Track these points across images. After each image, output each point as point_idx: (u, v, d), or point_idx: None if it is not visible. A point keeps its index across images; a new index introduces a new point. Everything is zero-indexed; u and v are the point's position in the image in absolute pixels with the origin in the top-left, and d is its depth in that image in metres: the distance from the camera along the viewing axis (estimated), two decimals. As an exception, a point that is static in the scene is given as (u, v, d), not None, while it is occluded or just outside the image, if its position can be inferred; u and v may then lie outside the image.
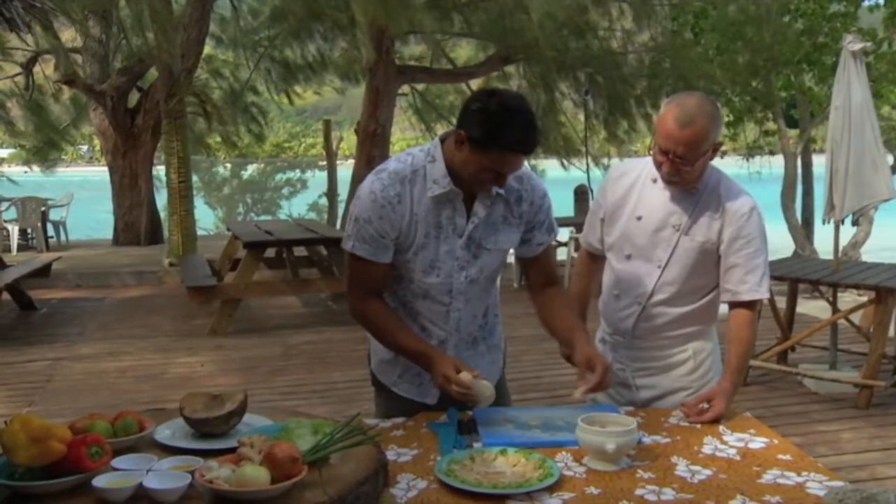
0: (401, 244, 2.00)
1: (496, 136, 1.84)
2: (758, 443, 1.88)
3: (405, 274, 2.05)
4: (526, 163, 2.06)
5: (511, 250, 2.16)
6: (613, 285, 2.31)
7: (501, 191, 2.00)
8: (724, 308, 2.28)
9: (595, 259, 2.44)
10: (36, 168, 15.68)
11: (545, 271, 2.19)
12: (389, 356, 2.16)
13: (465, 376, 1.90)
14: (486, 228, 2.03)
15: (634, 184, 2.25)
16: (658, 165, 2.15)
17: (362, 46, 10.41)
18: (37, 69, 14.08)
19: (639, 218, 2.22)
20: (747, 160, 12.27)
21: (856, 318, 5.44)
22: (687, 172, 2.10)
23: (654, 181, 2.21)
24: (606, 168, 12.86)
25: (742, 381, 2.22)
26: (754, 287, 2.15)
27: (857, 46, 5.07)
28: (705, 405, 2.04)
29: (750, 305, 2.18)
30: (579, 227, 8.67)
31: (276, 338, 6.77)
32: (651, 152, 2.18)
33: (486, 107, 1.86)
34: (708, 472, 1.70)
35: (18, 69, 14.06)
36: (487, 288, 2.14)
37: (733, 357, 2.16)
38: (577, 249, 8.25)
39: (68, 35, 13.06)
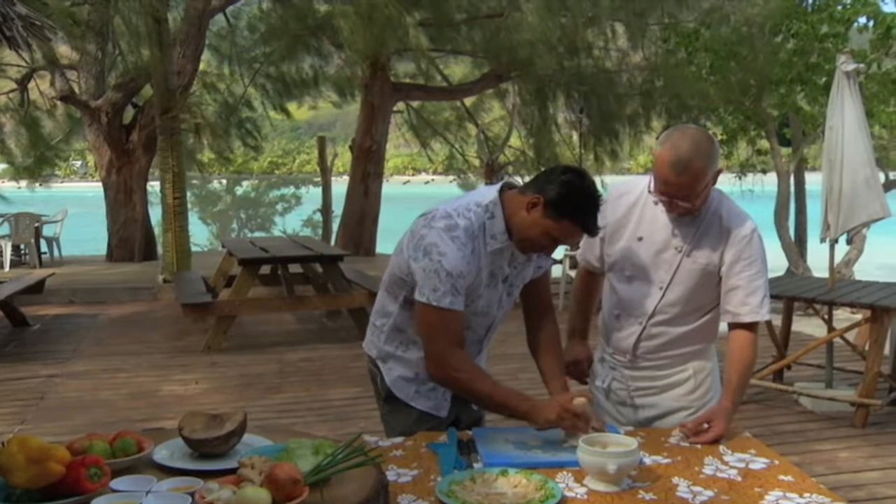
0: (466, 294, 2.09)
1: (576, 210, 1.99)
2: (759, 463, 1.87)
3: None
4: None
5: None
6: (614, 305, 2.31)
7: None
8: (723, 326, 2.28)
9: (594, 277, 2.44)
10: (28, 183, 15.64)
11: (539, 296, 2.30)
12: (410, 374, 2.20)
13: (579, 402, 1.96)
14: (517, 269, 2.20)
15: (635, 204, 2.25)
16: (659, 199, 2.16)
17: (355, 64, 10.47)
18: (31, 85, 14.09)
19: (640, 239, 2.23)
20: (740, 178, 12.35)
21: (851, 336, 5.45)
22: (688, 207, 2.11)
23: (656, 203, 2.20)
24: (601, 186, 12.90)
25: (741, 401, 2.21)
26: (755, 309, 2.16)
27: (851, 67, 5.11)
28: (706, 425, 2.04)
29: (750, 326, 2.18)
30: (573, 245, 8.65)
31: (272, 355, 6.73)
32: (650, 190, 2.17)
33: (573, 182, 2.00)
34: (709, 493, 1.70)
35: (13, 85, 14.07)
36: None
37: (734, 377, 2.15)
38: (571, 267, 8.26)
39: (63, 51, 13.08)
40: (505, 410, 2.07)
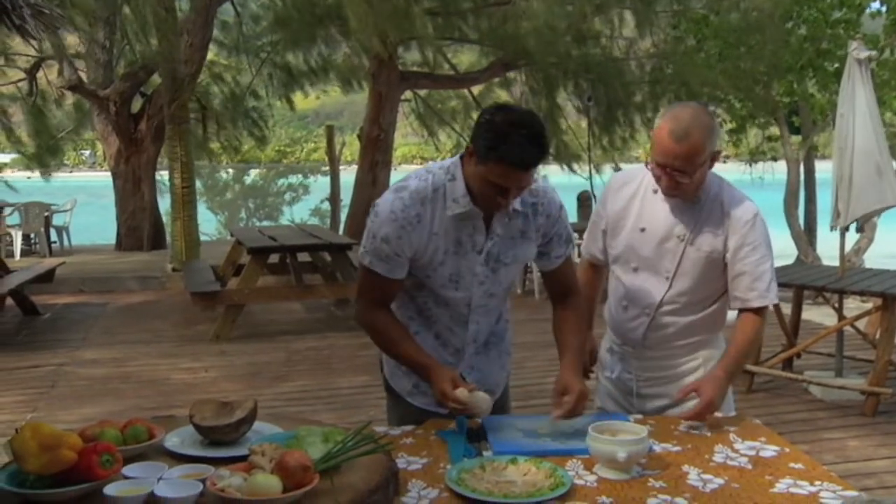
0: (418, 261, 2.00)
1: (495, 148, 1.83)
2: (769, 451, 1.87)
3: (426, 284, 2.06)
4: (540, 176, 2.05)
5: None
6: (622, 297, 2.30)
7: (518, 207, 1.99)
8: (731, 315, 2.28)
9: (597, 268, 2.43)
10: (38, 173, 15.70)
11: (564, 282, 2.18)
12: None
13: (461, 393, 1.91)
14: (505, 243, 2.04)
15: (635, 194, 2.25)
16: (657, 179, 2.14)
17: (363, 53, 10.45)
18: (40, 74, 14.11)
19: (642, 230, 2.22)
20: (750, 166, 12.28)
21: (861, 324, 5.42)
22: (686, 185, 2.09)
23: (655, 192, 2.20)
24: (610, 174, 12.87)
25: (737, 374, 2.19)
26: (763, 294, 2.16)
27: (863, 54, 5.06)
28: (693, 395, 2.05)
29: (758, 311, 2.18)
30: (583, 233, 8.69)
31: (280, 344, 6.76)
32: (648, 166, 2.17)
33: (491, 120, 1.87)
34: (720, 480, 1.69)
35: (22, 74, 14.09)
36: (503, 300, 2.18)
37: (731, 349, 2.16)
38: (580, 255, 8.25)
39: (72, 40, 13.10)
40: (411, 370, 2.10)
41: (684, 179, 2.07)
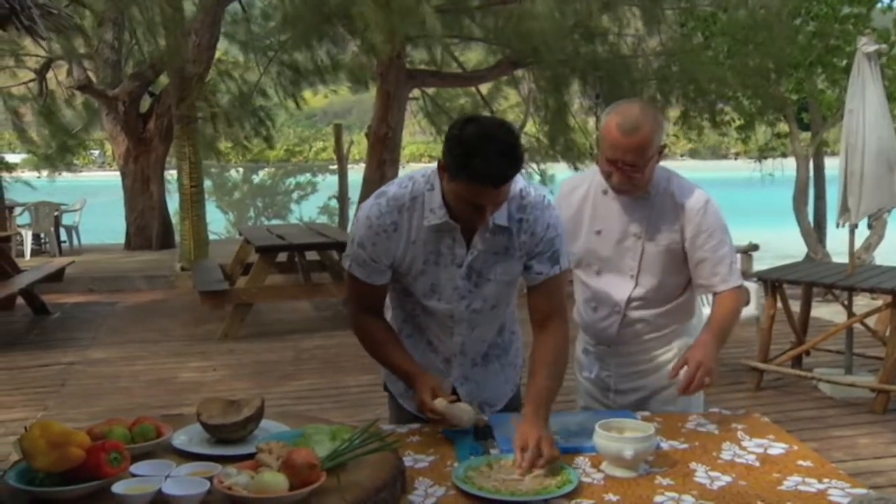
0: (398, 269, 1.97)
1: (464, 166, 1.74)
2: (777, 448, 1.86)
3: (411, 291, 2.03)
4: (533, 189, 1.96)
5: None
6: (590, 298, 2.32)
7: (504, 222, 1.91)
8: (705, 311, 2.30)
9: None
10: (47, 173, 15.79)
11: (544, 303, 1.99)
12: None
13: (439, 403, 1.89)
14: (488, 259, 1.95)
15: (586, 198, 2.26)
16: (607, 176, 2.14)
17: (370, 52, 10.47)
18: (50, 75, 14.18)
19: (598, 232, 2.24)
20: (759, 163, 12.24)
21: (871, 321, 5.39)
22: (638, 179, 2.10)
23: (605, 192, 2.22)
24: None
25: (724, 339, 2.16)
26: (725, 278, 2.17)
27: (872, 48, 5.04)
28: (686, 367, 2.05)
29: (732, 293, 2.18)
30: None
31: (288, 342, 6.77)
32: (597, 163, 2.18)
33: (460, 134, 1.77)
34: (727, 478, 1.69)
35: (32, 75, 14.17)
36: (496, 315, 2.08)
37: (714, 319, 2.15)
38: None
39: (80, 40, 13.15)
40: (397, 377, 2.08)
41: (636, 174, 2.09)
